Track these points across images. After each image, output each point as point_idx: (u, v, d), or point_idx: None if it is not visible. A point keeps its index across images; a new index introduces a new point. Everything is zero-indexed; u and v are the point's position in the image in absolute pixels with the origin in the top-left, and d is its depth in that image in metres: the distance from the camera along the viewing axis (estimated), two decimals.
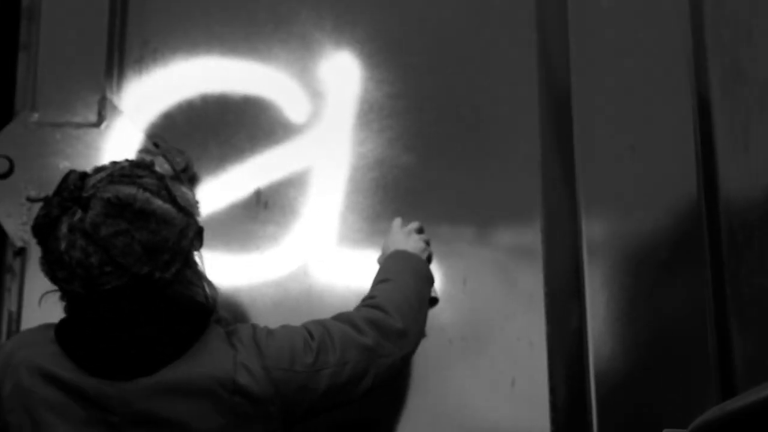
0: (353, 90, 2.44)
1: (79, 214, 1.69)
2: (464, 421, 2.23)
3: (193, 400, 1.72)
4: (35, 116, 2.38)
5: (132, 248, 1.67)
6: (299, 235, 2.37)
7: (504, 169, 2.37)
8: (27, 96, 2.43)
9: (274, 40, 2.47)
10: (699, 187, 2.31)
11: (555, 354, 2.26)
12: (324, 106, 2.44)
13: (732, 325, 2.25)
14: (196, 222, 1.79)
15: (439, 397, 2.24)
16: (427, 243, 2.25)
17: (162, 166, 1.82)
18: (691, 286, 2.26)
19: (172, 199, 1.74)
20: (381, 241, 2.26)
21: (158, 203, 1.71)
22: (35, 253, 2.26)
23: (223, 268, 2.29)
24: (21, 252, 2.32)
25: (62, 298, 1.78)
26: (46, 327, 1.83)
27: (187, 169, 2.32)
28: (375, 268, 2.16)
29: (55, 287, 1.76)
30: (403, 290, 2.04)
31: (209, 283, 1.84)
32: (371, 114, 2.43)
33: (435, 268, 2.27)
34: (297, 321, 1.92)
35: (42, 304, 2.22)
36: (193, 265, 1.80)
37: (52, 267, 1.71)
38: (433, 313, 2.26)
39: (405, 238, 2.22)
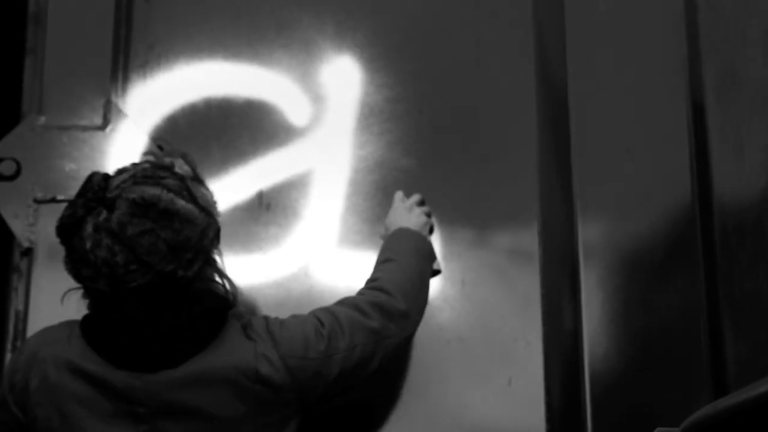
0: (354, 94, 2.46)
1: (104, 214, 1.73)
2: (461, 419, 2.24)
3: (217, 389, 1.78)
4: (42, 119, 2.40)
5: (157, 247, 1.71)
6: (301, 236, 2.39)
7: (501, 172, 2.39)
8: (33, 100, 2.45)
9: (277, 45, 2.49)
10: (693, 190, 2.33)
11: (551, 354, 2.27)
12: (325, 109, 2.46)
13: (725, 326, 2.26)
14: (216, 221, 1.84)
15: (437, 396, 2.25)
16: (428, 215, 2.30)
17: (182, 168, 1.84)
18: (685, 287, 2.27)
19: (194, 199, 1.78)
20: (381, 243, 2.28)
21: (181, 203, 1.75)
22: (42, 253, 2.33)
23: (226, 269, 2.32)
24: (28, 252, 2.34)
25: (84, 296, 1.83)
26: (67, 324, 1.89)
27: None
28: None
29: (78, 285, 1.81)
30: (406, 270, 2.10)
31: (229, 280, 1.89)
32: (371, 117, 2.45)
33: None
34: None
35: (49, 304, 2.28)
36: (212, 262, 1.85)
37: (76, 266, 1.75)
38: (432, 314, 2.28)
39: (407, 213, 2.27)
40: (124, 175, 1.78)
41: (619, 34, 2.42)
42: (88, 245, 1.72)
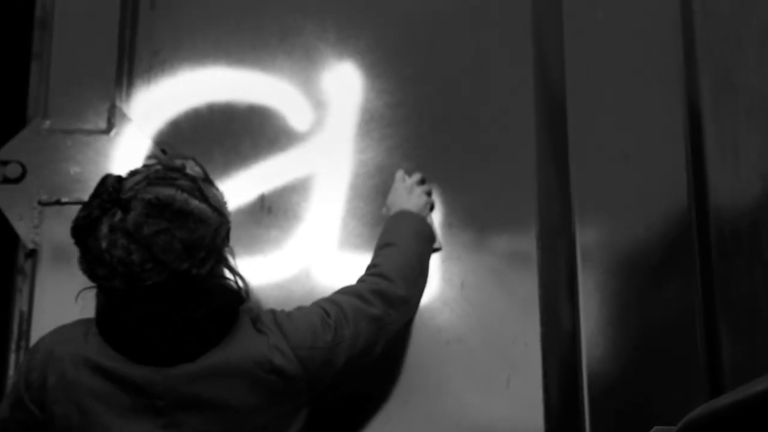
0: (355, 100, 2.48)
1: (119, 215, 1.76)
2: (461, 420, 2.25)
3: (233, 381, 1.82)
4: (47, 123, 2.42)
5: (172, 246, 1.75)
6: (302, 239, 2.40)
7: (500, 177, 2.40)
8: (39, 104, 2.47)
9: (279, 52, 2.51)
10: (690, 195, 2.34)
11: (549, 355, 2.29)
12: (326, 115, 2.48)
13: (721, 328, 2.27)
14: (227, 221, 1.88)
15: (437, 396, 2.27)
16: (429, 194, 2.33)
17: (193, 169, 1.88)
18: (682, 290, 2.28)
19: (206, 200, 1.82)
20: None
21: (195, 203, 1.79)
22: (46, 255, 2.34)
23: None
24: (32, 254, 2.35)
25: (98, 295, 1.87)
26: (81, 323, 1.92)
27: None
28: None
29: (92, 285, 1.84)
30: (406, 254, 2.14)
31: (241, 276, 1.93)
32: (372, 123, 2.47)
33: (433, 273, 2.32)
34: None
35: (53, 305, 2.30)
36: (224, 260, 1.89)
37: (91, 265, 1.79)
38: (431, 316, 2.31)
39: (407, 194, 2.30)
40: (138, 177, 1.81)
41: (617, 40, 2.44)
42: (104, 245, 1.75)
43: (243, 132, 2.47)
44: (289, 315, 1.95)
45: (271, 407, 1.86)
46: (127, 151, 2.41)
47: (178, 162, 1.87)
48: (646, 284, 2.30)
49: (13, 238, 2.39)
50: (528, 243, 2.36)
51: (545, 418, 2.24)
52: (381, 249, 2.17)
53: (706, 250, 2.32)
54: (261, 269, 2.37)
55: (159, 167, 1.84)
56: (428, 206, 2.32)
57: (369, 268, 2.13)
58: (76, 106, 2.43)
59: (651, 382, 2.23)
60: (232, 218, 2.36)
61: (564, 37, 2.45)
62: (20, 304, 2.36)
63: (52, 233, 2.34)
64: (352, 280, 2.16)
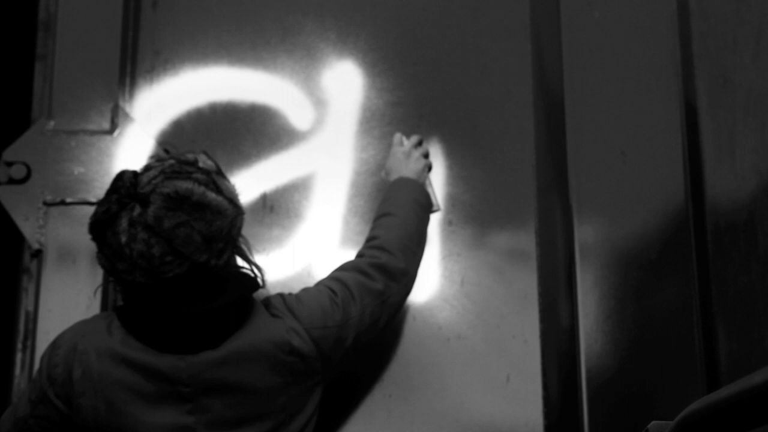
0: (355, 98, 2.50)
1: (137, 209, 1.79)
2: (461, 415, 2.27)
3: (255, 364, 1.88)
4: (51, 124, 2.44)
5: (192, 238, 1.78)
6: (303, 237, 2.43)
7: (500, 174, 2.42)
8: (43, 105, 2.49)
9: (280, 51, 2.53)
10: (686, 191, 2.36)
11: (548, 351, 2.31)
12: (327, 113, 2.50)
13: (717, 323, 2.28)
14: (242, 212, 1.91)
15: (437, 392, 2.29)
16: (426, 156, 2.36)
17: (205, 162, 1.90)
18: (679, 285, 2.30)
19: (221, 192, 1.85)
20: None
21: (212, 195, 1.82)
22: (51, 255, 2.36)
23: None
24: (37, 254, 2.37)
25: (116, 288, 1.92)
26: (102, 317, 1.97)
27: None
28: None
29: (112, 278, 1.87)
30: (406, 224, 2.18)
31: (256, 265, 1.97)
32: (373, 121, 2.48)
33: (433, 270, 2.35)
34: None
35: (58, 304, 2.32)
36: (239, 250, 1.93)
37: (111, 260, 1.81)
38: (432, 312, 2.34)
39: (405, 159, 2.33)
40: (154, 172, 1.84)
41: (614, 40, 2.45)
42: (124, 239, 1.78)
43: (245, 131, 2.48)
44: (298, 297, 2.00)
45: (291, 387, 1.92)
46: (131, 150, 2.43)
47: (190, 156, 1.89)
48: (644, 280, 2.31)
49: (19, 238, 2.41)
50: (527, 240, 2.38)
51: (544, 413, 2.27)
52: (380, 219, 2.21)
53: (703, 245, 2.33)
54: (263, 267, 2.37)
55: (173, 161, 1.86)
56: (426, 169, 2.35)
57: (368, 240, 2.17)
58: (80, 106, 2.45)
59: (649, 377, 2.25)
60: None
61: (561, 37, 2.47)
62: (26, 303, 2.39)
63: (57, 233, 2.37)
64: None
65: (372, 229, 2.20)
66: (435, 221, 2.39)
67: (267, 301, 1.98)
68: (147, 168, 1.86)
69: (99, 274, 2.31)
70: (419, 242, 2.23)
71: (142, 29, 2.54)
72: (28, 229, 2.38)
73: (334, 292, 2.02)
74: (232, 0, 2.56)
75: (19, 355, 2.36)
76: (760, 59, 2.23)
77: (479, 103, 2.47)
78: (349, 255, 2.38)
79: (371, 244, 2.15)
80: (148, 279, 1.79)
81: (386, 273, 2.09)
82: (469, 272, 2.37)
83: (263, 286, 1.96)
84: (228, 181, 1.91)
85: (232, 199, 1.87)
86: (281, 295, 2.01)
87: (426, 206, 2.29)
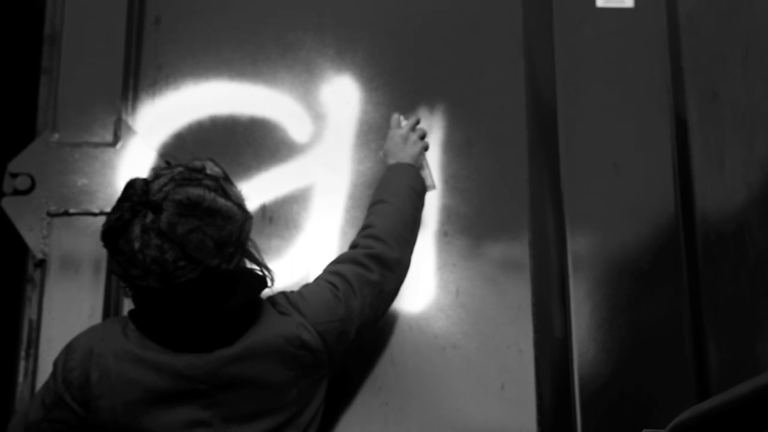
0: (353, 112, 2.53)
1: (150, 216, 1.81)
2: (456, 424, 2.29)
3: (268, 359, 1.93)
4: (55, 136, 2.46)
5: (204, 243, 1.81)
6: (302, 248, 2.45)
7: (494, 186, 2.45)
8: (48, 117, 2.51)
9: (280, 66, 2.56)
10: (677, 203, 2.39)
11: (542, 360, 2.33)
12: (326, 127, 2.52)
13: (708, 333, 2.32)
14: (250, 216, 1.94)
15: (433, 400, 2.31)
16: (423, 137, 2.39)
17: (212, 169, 1.92)
18: (670, 296, 2.33)
19: (229, 197, 1.88)
20: None
21: (222, 201, 1.85)
22: (54, 264, 2.37)
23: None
24: (41, 264, 2.38)
25: (128, 293, 1.92)
26: (114, 321, 2.00)
27: None
28: None
29: (125, 284, 1.89)
30: (401, 211, 2.21)
31: (265, 266, 1.99)
32: (370, 134, 2.52)
33: (429, 280, 2.38)
34: None
35: (61, 313, 2.34)
36: (247, 253, 1.95)
37: (124, 266, 1.83)
38: (427, 322, 2.36)
39: (402, 143, 2.36)
40: (163, 179, 1.86)
41: (605, 56, 2.49)
42: (137, 246, 1.80)
43: (245, 144, 2.51)
44: (301, 294, 2.04)
45: (301, 380, 1.97)
46: (133, 162, 2.45)
47: (198, 163, 1.92)
48: (636, 290, 2.34)
49: (23, 248, 2.43)
50: (521, 251, 2.41)
51: (538, 420, 2.29)
52: (375, 206, 2.23)
53: (693, 256, 2.36)
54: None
55: (181, 169, 1.89)
56: (423, 152, 2.37)
57: (363, 228, 2.19)
58: (84, 119, 2.47)
59: (641, 385, 2.27)
60: None
61: (554, 52, 2.51)
62: (29, 312, 2.40)
63: (60, 243, 2.39)
64: None
65: (367, 216, 2.23)
66: (430, 232, 2.42)
67: (272, 300, 2.02)
68: (157, 176, 1.88)
69: (101, 284, 2.35)
70: (413, 230, 2.25)
71: (145, 45, 2.57)
72: (32, 239, 2.39)
73: (335, 286, 2.06)
74: (234, 17, 2.59)
75: (22, 363, 2.38)
76: (748, 74, 2.26)
77: (473, 116, 2.50)
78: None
79: (366, 233, 2.17)
80: (162, 284, 1.81)
81: (382, 263, 2.12)
82: (464, 283, 2.40)
83: (271, 285, 1.99)
84: (235, 187, 1.94)
85: (240, 204, 1.90)
86: (284, 294, 2.05)
87: (421, 192, 2.31)
